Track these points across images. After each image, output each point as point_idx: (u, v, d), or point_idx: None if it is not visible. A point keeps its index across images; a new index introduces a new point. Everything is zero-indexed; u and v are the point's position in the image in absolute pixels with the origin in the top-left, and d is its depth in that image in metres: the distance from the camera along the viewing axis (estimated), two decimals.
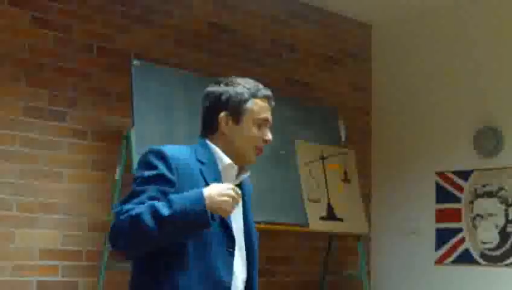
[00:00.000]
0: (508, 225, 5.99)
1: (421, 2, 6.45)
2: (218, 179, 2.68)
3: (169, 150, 2.64)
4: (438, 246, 6.38)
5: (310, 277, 6.27)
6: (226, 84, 2.78)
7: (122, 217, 2.50)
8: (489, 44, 6.21)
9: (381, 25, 6.95)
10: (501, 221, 6.05)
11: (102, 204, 4.95)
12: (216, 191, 2.51)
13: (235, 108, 2.74)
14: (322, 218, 5.72)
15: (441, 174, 6.42)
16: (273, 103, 2.84)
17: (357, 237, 6.13)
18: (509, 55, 6.10)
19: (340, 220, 5.84)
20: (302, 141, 5.78)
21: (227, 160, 2.72)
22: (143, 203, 2.51)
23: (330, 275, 6.32)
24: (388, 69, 6.92)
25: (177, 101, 5.06)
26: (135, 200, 2.53)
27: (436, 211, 6.44)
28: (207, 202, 2.48)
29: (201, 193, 2.49)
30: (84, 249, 4.89)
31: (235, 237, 2.69)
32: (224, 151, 2.74)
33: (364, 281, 6.04)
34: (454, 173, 6.35)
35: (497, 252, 6.04)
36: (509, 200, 6.00)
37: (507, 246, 5.98)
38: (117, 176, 4.87)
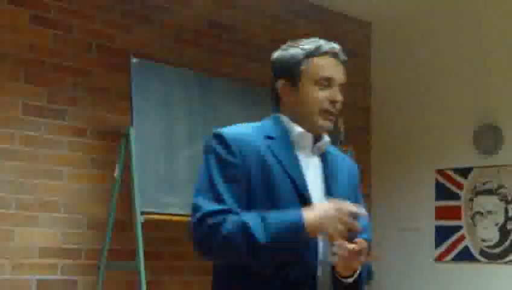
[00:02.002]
0: (508, 222, 6.00)
1: (421, 1, 6.45)
2: (289, 152, 2.48)
3: (229, 132, 2.46)
4: (438, 243, 6.39)
5: None
6: (284, 49, 2.65)
7: (206, 223, 2.33)
8: (490, 42, 6.21)
9: (381, 23, 6.95)
10: (501, 218, 6.05)
11: (101, 203, 4.96)
12: (318, 214, 2.30)
13: (290, 72, 2.57)
14: None
15: (440, 171, 6.42)
16: (342, 58, 2.61)
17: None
18: (509, 52, 6.10)
19: None
20: None
21: (297, 129, 2.52)
22: (222, 200, 2.35)
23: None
24: (388, 67, 6.92)
25: (177, 99, 5.06)
26: (211, 195, 2.36)
27: (435, 208, 6.44)
28: (308, 226, 2.29)
29: (302, 219, 2.30)
30: (84, 247, 4.89)
31: None
32: (294, 121, 2.54)
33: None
34: (454, 170, 6.35)
35: (497, 250, 6.05)
36: (509, 197, 6.00)
37: (507, 243, 5.98)
38: (116, 175, 4.87)
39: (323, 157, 2.60)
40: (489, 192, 6.12)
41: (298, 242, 2.33)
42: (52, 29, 4.87)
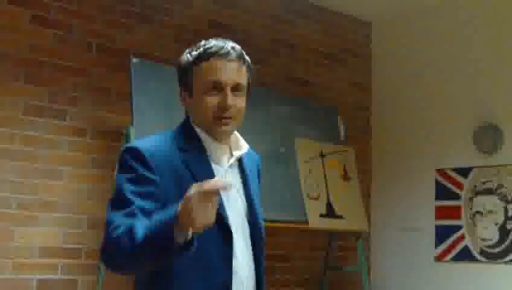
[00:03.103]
0: (508, 222, 6.00)
1: (421, 0, 6.45)
2: (204, 165, 2.38)
3: (144, 147, 2.33)
4: (438, 243, 6.39)
5: (310, 274, 6.29)
6: (182, 56, 2.50)
7: (110, 236, 2.22)
8: (490, 41, 6.21)
9: (381, 22, 6.96)
10: (500, 218, 6.05)
11: (102, 202, 4.95)
12: (182, 207, 2.07)
13: (184, 82, 2.45)
14: (322, 215, 5.73)
15: (440, 171, 6.43)
16: (235, 56, 2.42)
17: (357, 234, 6.13)
18: (509, 52, 6.11)
19: (340, 217, 5.85)
20: (302, 139, 5.78)
21: (210, 143, 2.43)
22: (132, 214, 2.23)
23: (330, 272, 6.34)
24: (388, 67, 6.93)
25: (177, 99, 5.03)
26: (123, 211, 2.24)
27: (435, 208, 6.44)
28: (179, 221, 2.07)
29: (174, 213, 2.09)
30: (84, 247, 4.90)
31: (233, 223, 2.39)
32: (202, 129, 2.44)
33: (364, 278, 6.05)
34: (454, 170, 6.35)
35: (497, 249, 6.05)
36: (509, 197, 6.00)
37: (506, 243, 5.98)
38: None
39: (241, 164, 2.53)
40: (489, 192, 6.12)
41: (173, 238, 2.08)
42: (52, 29, 4.88)
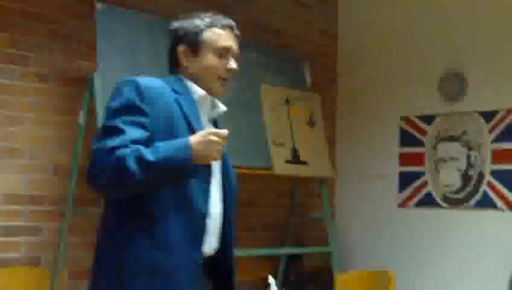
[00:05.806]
0: (470, 168, 6.08)
1: None
2: (193, 108, 2.70)
3: (142, 79, 2.63)
4: (401, 189, 6.48)
5: (274, 220, 6.34)
6: (185, 19, 2.83)
7: (104, 156, 2.46)
8: None
9: None
10: (463, 165, 6.13)
11: (65, 149, 4.94)
12: (200, 139, 2.49)
13: (192, 40, 2.77)
14: (287, 161, 5.76)
15: (405, 118, 6.48)
16: (237, 33, 2.84)
17: (321, 181, 6.18)
18: (475, 0, 6.12)
19: (305, 163, 5.89)
20: (267, 86, 5.78)
21: (201, 91, 2.74)
22: (125, 140, 2.48)
23: (295, 217, 6.40)
24: (355, 15, 6.92)
25: (142, 44, 5.02)
26: (115, 138, 2.49)
27: (399, 154, 6.51)
28: (193, 150, 2.47)
29: (187, 141, 2.48)
30: (48, 194, 4.88)
31: (212, 170, 2.70)
32: (195, 83, 2.76)
33: (329, 223, 6.12)
34: (418, 117, 6.41)
35: (459, 195, 6.14)
36: (472, 144, 6.08)
37: (468, 189, 6.08)
38: (80, 121, 4.85)
39: (215, 122, 2.90)
40: (453, 138, 6.19)
41: (184, 164, 2.47)
42: None
